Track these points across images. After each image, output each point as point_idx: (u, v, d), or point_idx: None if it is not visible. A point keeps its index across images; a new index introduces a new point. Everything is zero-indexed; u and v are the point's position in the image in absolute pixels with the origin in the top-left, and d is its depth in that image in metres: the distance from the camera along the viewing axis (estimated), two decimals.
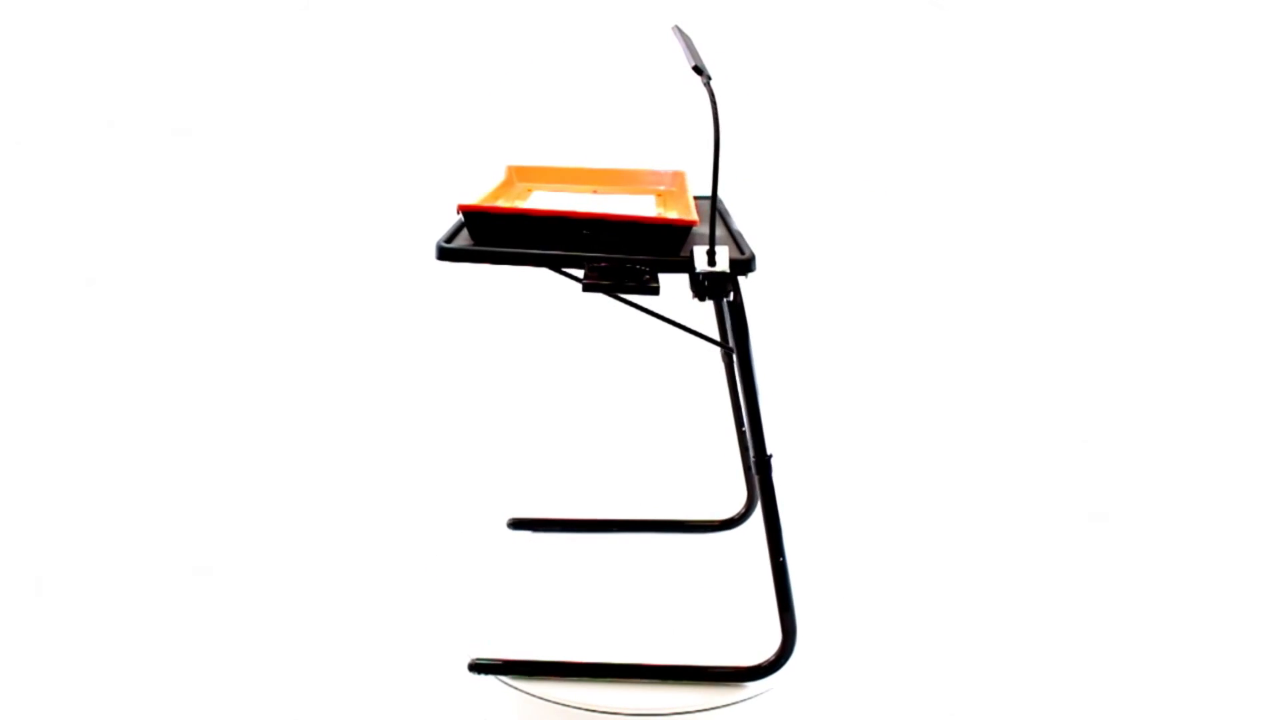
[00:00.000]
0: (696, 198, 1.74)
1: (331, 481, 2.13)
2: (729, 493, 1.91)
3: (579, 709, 1.39)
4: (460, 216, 1.31)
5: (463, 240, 1.32)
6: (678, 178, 1.67)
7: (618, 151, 2.19)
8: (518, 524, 1.85)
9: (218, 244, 2.53)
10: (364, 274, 2.53)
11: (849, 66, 2.51)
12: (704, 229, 1.48)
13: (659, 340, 1.86)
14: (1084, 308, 2.58)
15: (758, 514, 1.86)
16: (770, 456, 1.35)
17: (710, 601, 1.63)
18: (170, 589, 1.79)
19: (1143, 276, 2.57)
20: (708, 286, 1.23)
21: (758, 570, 1.70)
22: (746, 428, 1.35)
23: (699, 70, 1.26)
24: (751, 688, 1.43)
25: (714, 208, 1.21)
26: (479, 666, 1.45)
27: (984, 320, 2.58)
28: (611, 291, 1.17)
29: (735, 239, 1.39)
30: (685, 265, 1.24)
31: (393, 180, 2.48)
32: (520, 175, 1.69)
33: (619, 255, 1.25)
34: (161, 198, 2.52)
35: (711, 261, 1.22)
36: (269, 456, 2.22)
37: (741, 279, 1.34)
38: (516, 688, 1.43)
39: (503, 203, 1.53)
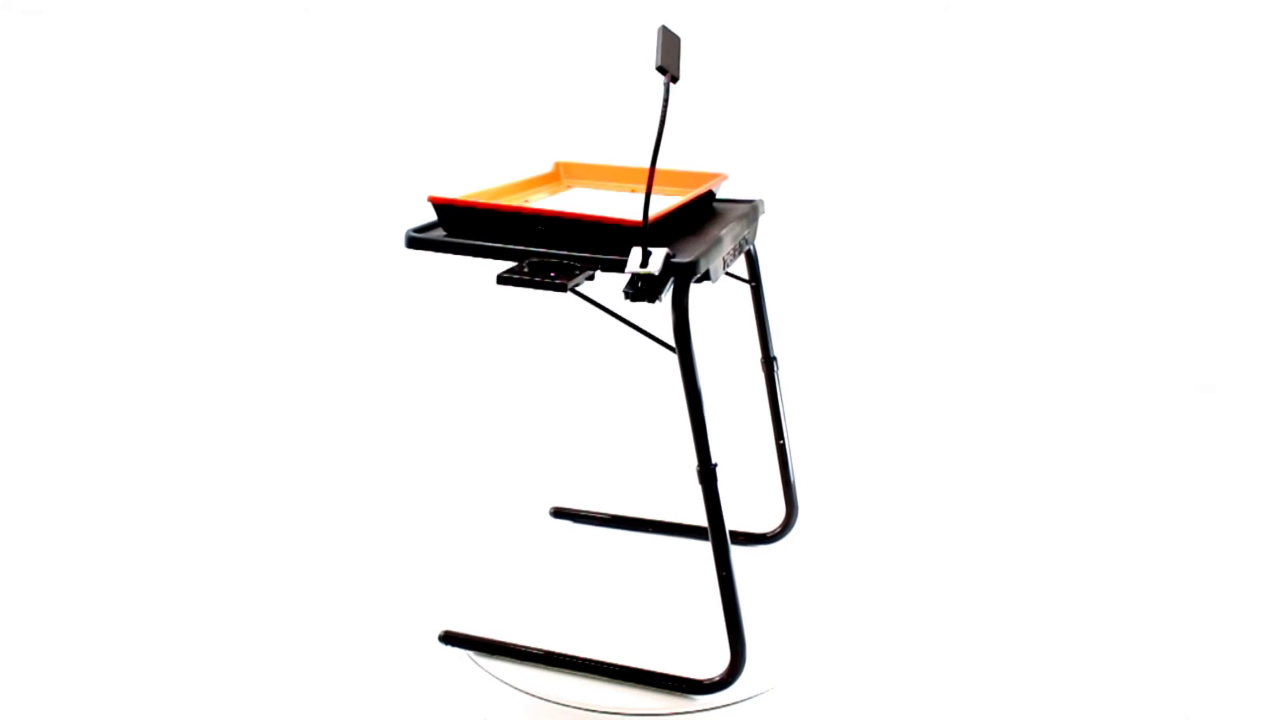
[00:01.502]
0: (731, 200, 1.71)
1: (364, 471, 2.24)
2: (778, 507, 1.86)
3: (524, 693, 1.43)
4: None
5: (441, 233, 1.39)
6: (716, 179, 1.65)
7: (708, 153, 2.16)
8: (560, 513, 1.90)
9: (266, 242, 2.71)
10: (398, 272, 2.63)
11: (866, 71, 2.58)
12: (718, 231, 1.46)
13: (741, 349, 1.87)
14: (1086, 314, 2.56)
15: (796, 530, 1.82)
16: (715, 466, 1.31)
17: (713, 611, 1.60)
18: (194, 577, 1.86)
19: (1145, 276, 2.57)
20: (641, 288, 1.22)
21: (771, 585, 1.67)
22: (693, 436, 1.32)
23: (663, 70, 1.26)
24: (701, 701, 1.40)
25: (646, 205, 1.20)
26: (450, 637, 1.51)
27: (992, 327, 2.59)
28: (519, 286, 1.19)
29: (720, 244, 1.35)
30: (619, 265, 1.23)
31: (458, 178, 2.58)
32: (567, 171, 1.74)
33: (563, 252, 1.27)
34: (202, 199, 2.71)
35: (644, 262, 1.21)
36: (300, 451, 2.33)
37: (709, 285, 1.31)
38: (480, 665, 1.48)
39: (534, 198, 1.58)
